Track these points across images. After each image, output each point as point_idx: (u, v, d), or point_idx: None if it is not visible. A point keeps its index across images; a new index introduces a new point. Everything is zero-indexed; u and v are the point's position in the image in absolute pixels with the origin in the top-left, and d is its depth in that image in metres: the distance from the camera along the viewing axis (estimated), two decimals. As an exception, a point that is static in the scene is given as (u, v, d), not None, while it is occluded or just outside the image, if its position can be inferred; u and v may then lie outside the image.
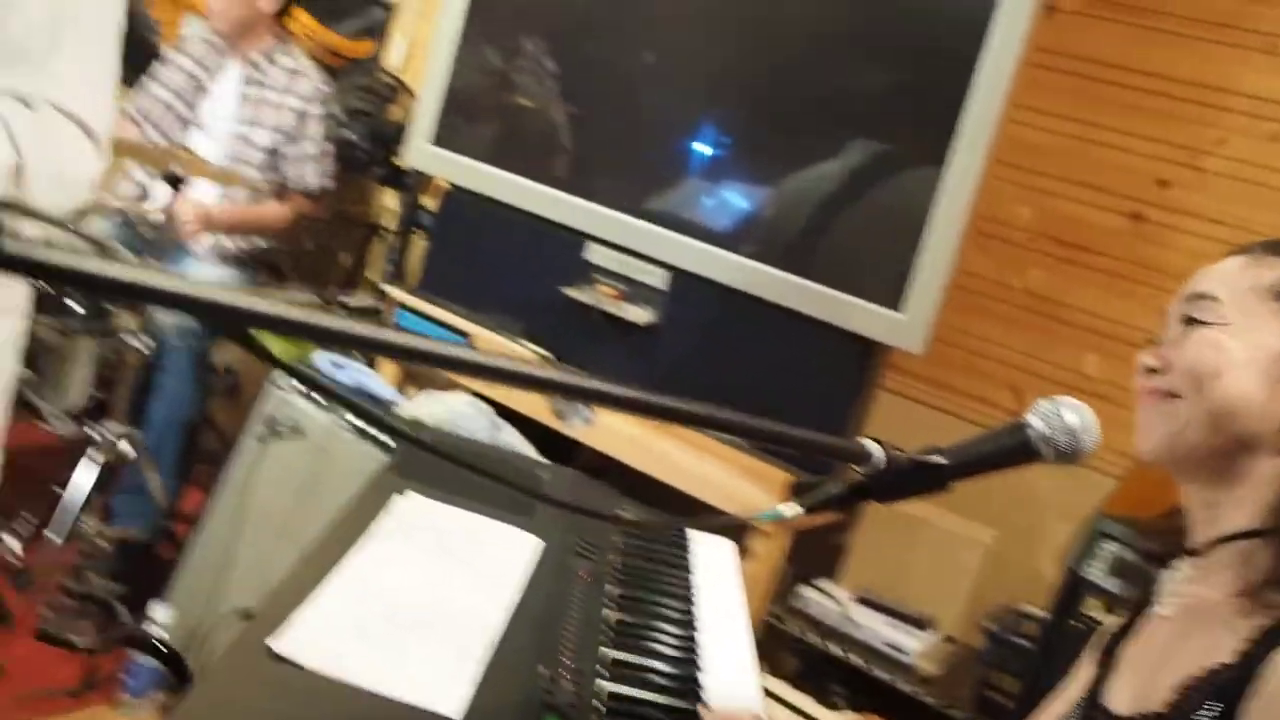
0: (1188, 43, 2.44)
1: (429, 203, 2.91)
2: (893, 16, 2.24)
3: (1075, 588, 1.91)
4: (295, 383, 2.40)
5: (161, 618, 2.35)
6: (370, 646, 0.98)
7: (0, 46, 1.23)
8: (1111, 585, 1.82)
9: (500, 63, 2.61)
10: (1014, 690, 2.32)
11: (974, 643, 2.47)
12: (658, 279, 2.40)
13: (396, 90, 2.94)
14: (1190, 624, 0.96)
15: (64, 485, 2.58)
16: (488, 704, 0.96)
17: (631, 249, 2.41)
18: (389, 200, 3.26)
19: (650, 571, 1.41)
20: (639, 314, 2.39)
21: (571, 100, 2.53)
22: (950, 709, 2.36)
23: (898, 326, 2.15)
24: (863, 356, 2.25)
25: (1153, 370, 1.00)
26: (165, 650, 2.14)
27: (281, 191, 3.19)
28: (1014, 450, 0.92)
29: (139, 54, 4.06)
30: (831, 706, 2.36)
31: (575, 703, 1.00)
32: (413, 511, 1.29)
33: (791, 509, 0.91)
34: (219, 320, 0.48)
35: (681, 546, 1.55)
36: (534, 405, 2.44)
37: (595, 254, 2.47)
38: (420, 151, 2.65)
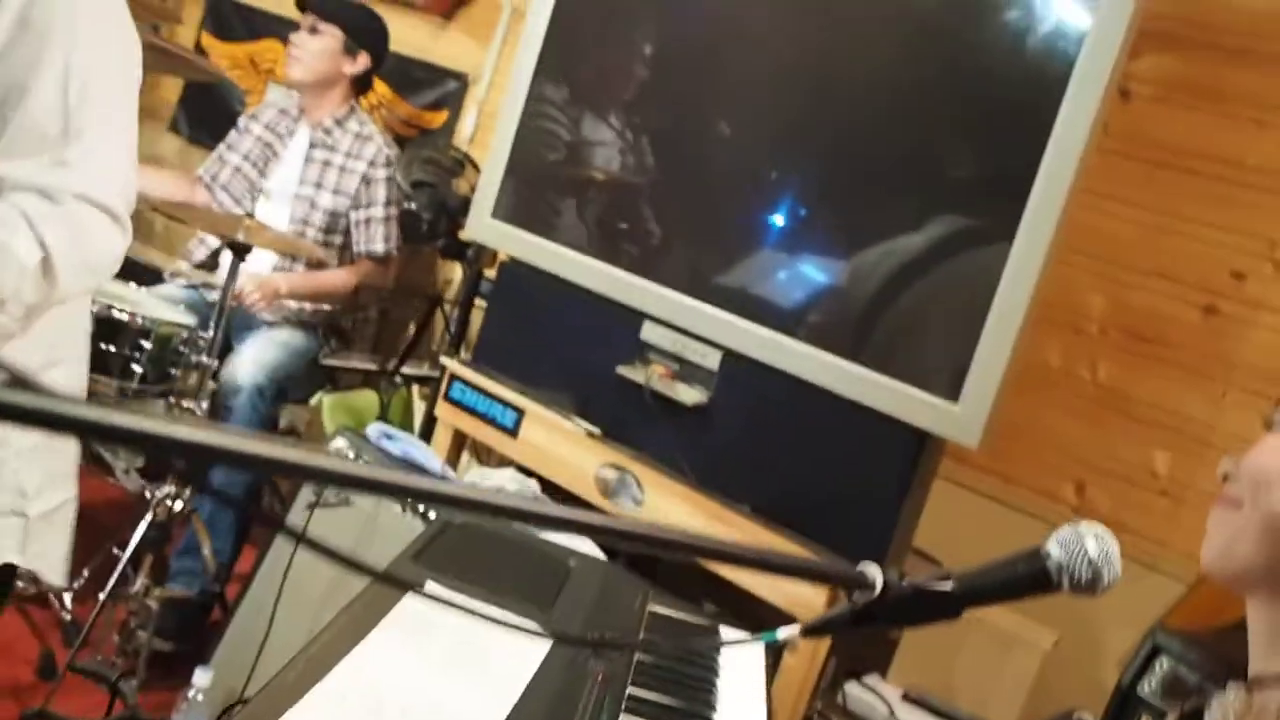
0: (1266, 131, 2.36)
1: (491, 275, 2.93)
2: (962, 98, 2.20)
3: (1126, 706, 1.81)
4: (347, 452, 2.42)
5: (200, 682, 2.36)
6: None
7: (20, 135, 1.28)
8: (1165, 705, 1.72)
9: (564, 138, 2.63)
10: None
11: (1028, 750, 2.37)
12: (710, 359, 2.38)
13: (462, 164, 2.99)
14: None
15: (124, 543, 2.63)
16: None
17: (687, 329, 2.39)
18: (452, 272, 3.30)
19: (672, 671, 1.37)
20: (689, 394, 2.36)
21: (633, 179, 2.54)
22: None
23: (953, 418, 2.09)
24: (916, 446, 2.18)
25: (1226, 476, 0.93)
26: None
27: (346, 257, 3.25)
28: (1029, 579, 0.87)
29: (226, 122, 4.19)
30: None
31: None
32: (424, 606, 1.27)
33: (789, 632, 0.87)
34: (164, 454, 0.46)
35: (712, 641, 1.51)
36: (584, 484, 2.42)
37: (651, 332, 2.45)
38: (481, 224, 2.67)
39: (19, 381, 0.44)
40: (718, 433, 2.37)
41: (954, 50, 2.19)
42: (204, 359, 2.56)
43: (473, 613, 0.70)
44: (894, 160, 2.26)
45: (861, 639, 2.38)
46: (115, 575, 2.54)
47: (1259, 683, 0.90)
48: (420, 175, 2.85)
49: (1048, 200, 2.02)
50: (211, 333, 2.60)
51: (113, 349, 2.56)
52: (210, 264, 3.27)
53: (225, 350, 3.06)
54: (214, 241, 3.25)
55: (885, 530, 2.20)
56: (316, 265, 3.16)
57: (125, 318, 2.58)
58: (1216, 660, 0.95)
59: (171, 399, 2.67)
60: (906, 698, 2.43)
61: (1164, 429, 2.41)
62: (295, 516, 2.41)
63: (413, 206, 2.83)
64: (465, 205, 2.79)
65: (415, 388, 3.16)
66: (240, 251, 2.43)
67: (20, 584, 2.68)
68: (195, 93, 4.28)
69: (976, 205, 2.17)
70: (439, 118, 3.64)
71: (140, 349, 2.60)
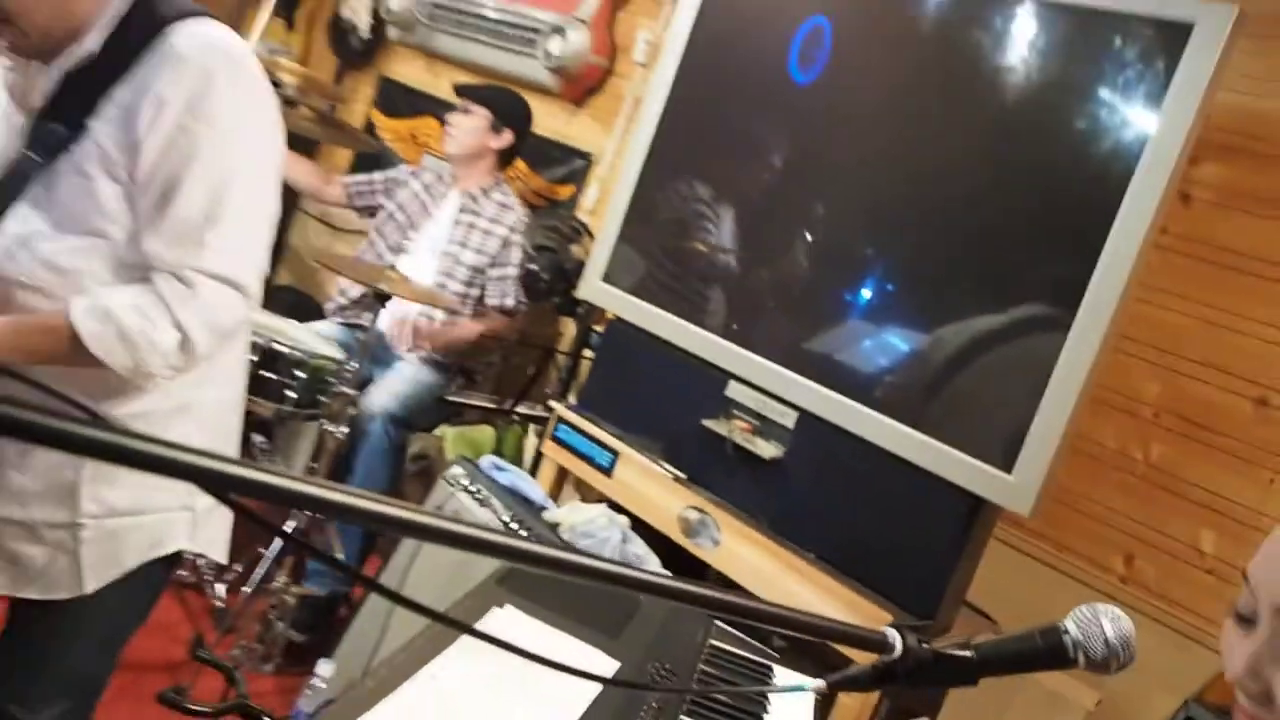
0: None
1: (599, 330, 2.95)
2: (1032, 193, 2.13)
3: (1161, 771, 1.70)
4: (463, 480, 2.44)
5: (324, 672, 2.40)
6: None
7: (171, 220, 1.32)
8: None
9: (669, 213, 2.65)
10: None
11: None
12: (788, 418, 2.34)
13: (580, 232, 3.02)
14: None
15: (268, 543, 2.70)
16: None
17: (768, 390, 2.37)
18: (566, 326, 3.33)
19: (724, 705, 1.33)
20: (767, 448, 2.33)
21: (728, 251, 2.53)
22: None
23: (1007, 488, 2.01)
24: (972, 510, 2.11)
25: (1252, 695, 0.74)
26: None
27: (478, 310, 3.31)
28: (1046, 653, 0.82)
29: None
30: None
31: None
32: (502, 626, 1.26)
33: (815, 684, 0.84)
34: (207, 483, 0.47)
35: (765, 680, 1.47)
36: (668, 523, 2.40)
37: (735, 391, 2.43)
38: (592, 286, 2.70)
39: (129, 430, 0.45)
40: (791, 485, 2.32)
41: (1027, 149, 2.14)
42: (346, 389, 2.62)
43: (528, 655, 0.68)
44: (970, 247, 2.20)
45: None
46: (260, 571, 2.61)
47: None
48: (543, 240, 2.90)
49: (1103, 293, 1.95)
50: (356, 366, 2.67)
51: (272, 376, 2.65)
52: (362, 302, 3.37)
53: (367, 381, 3.14)
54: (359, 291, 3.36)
55: (939, 584, 2.13)
56: (453, 313, 3.23)
57: (285, 350, 2.67)
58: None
59: (321, 422, 2.75)
60: (953, 743, 2.33)
61: (1212, 510, 2.28)
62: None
63: (534, 267, 2.87)
64: (580, 268, 2.81)
65: (529, 426, 3.18)
66: (383, 299, 2.50)
67: (182, 572, 2.78)
68: (363, 160, 4.44)
69: (1040, 292, 2.10)
70: (566, 191, 3.70)
71: (295, 377, 2.69)
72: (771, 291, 2.46)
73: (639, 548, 2.29)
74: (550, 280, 2.83)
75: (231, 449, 1.59)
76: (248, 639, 2.63)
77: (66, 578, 1.39)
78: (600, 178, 3.60)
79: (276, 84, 3.25)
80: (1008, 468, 2.02)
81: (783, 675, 1.55)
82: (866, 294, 2.33)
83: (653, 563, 2.30)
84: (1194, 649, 2.23)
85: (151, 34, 1.34)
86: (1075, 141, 2.06)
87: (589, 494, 2.81)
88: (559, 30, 3.62)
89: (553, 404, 2.67)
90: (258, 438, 3.23)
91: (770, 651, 1.65)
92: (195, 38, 1.34)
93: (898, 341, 2.27)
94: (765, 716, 1.36)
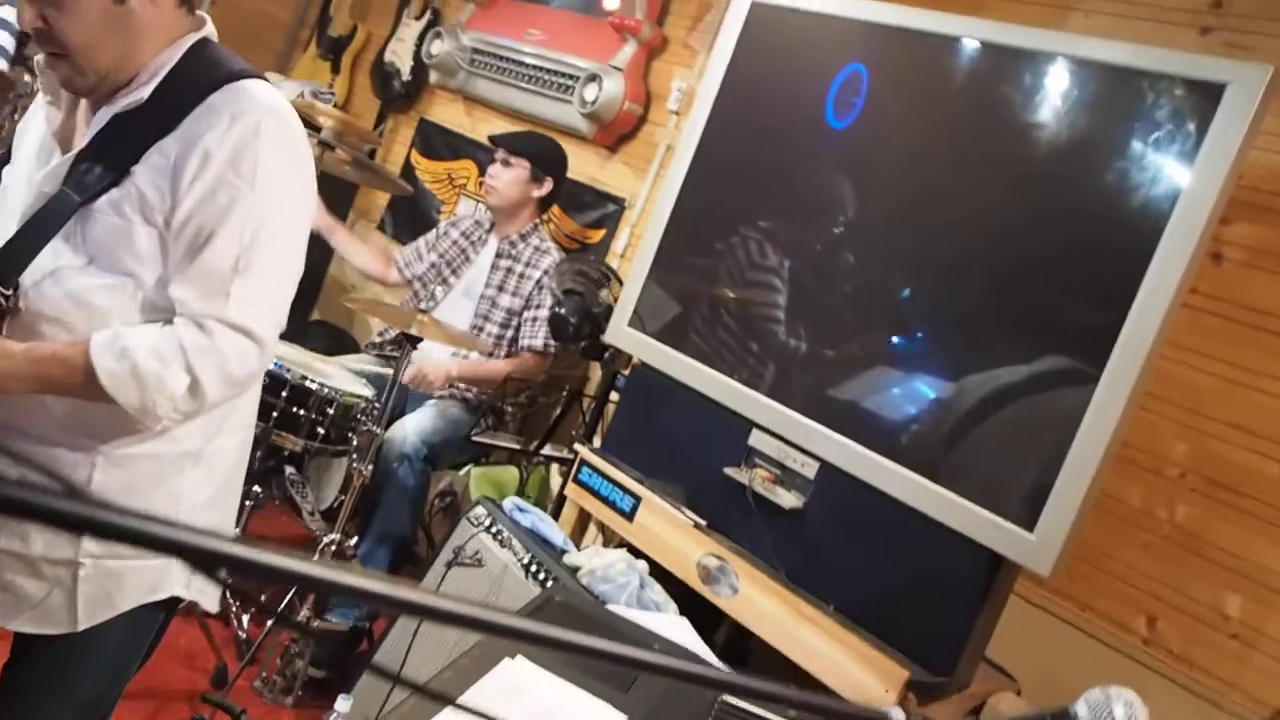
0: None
1: (626, 374, 2.94)
2: (1062, 246, 2.10)
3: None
4: (484, 520, 2.43)
5: (341, 708, 2.39)
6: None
7: (200, 268, 1.34)
8: None
9: (696, 261, 2.64)
10: None
11: None
12: (809, 468, 2.32)
13: (608, 277, 3.03)
14: None
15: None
16: None
17: (790, 439, 2.34)
18: (593, 369, 3.33)
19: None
20: (787, 498, 2.30)
21: (755, 300, 2.52)
22: None
23: (1027, 547, 1.97)
24: (993, 567, 2.07)
25: None
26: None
27: (510, 351, 3.32)
28: (1054, 736, 0.79)
29: (424, 224, 4.38)
30: None
31: None
32: (513, 677, 1.25)
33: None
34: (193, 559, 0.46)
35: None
36: (687, 570, 2.37)
37: (758, 439, 2.41)
38: (619, 331, 2.69)
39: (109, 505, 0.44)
40: (810, 535, 2.29)
41: (1059, 202, 2.12)
42: (374, 428, 2.63)
43: None
44: (999, 298, 2.18)
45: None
46: (282, 605, 2.61)
47: None
48: (571, 285, 2.90)
49: (1131, 349, 1.92)
50: (384, 403, 2.68)
51: (302, 413, 2.66)
52: (398, 340, 3.40)
53: (398, 416, 3.15)
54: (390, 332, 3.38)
55: (958, 640, 2.08)
56: (487, 355, 3.25)
57: (315, 387, 2.68)
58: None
59: (351, 458, 2.75)
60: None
61: (1238, 574, 2.22)
62: (434, 572, 2.43)
63: (562, 311, 2.88)
64: (608, 313, 2.82)
65: (554, 467, 3.17)
66: (413, 341, 2.51)
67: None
68: (400, 201, 4.49)
69: (1068, 348, 2.06)
70: (598, 235, 3.72)
71: (325, 414, 2.70)
72: (795, 339, 2.44)
73: (657, 594, 2.27)
74: (577, 324, 2.83)
75: (235, 500, 1.59)
76: (269, 671, 2.63)
77: (61, 613, 1.40)
78: (632, 223, 3.62)
79: (316, 128, 3.30)
80: (1029, 526, 1.98)
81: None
82: (892, 343, 2.30)
83: (670, 609, 2.27)
84: (1217, 715, 2.16)
85: (205, 90, 1.37)
86: (1107, 197, 2.04)
87: (612, 536, 2.79)
88: (594, 78, 3.66)
89: (577, 446, 2.66)
90: (289, 469, 3.25)
91: (783, 707, 1.61)
92: (245, 97, 1.38)
93: (922, 392, 2.25)
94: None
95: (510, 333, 3.35)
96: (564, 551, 2.36)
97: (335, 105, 4.91)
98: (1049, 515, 1.96)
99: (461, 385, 3.26)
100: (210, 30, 1.48)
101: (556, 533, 2.43)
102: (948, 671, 2.07)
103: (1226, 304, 2.36)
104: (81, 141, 1.41)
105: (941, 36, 2.31)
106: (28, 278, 1.34)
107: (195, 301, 1.33)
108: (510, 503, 2.45)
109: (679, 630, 2.20)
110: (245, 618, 2.76)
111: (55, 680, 1.44)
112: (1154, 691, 2.26)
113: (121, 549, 1.42)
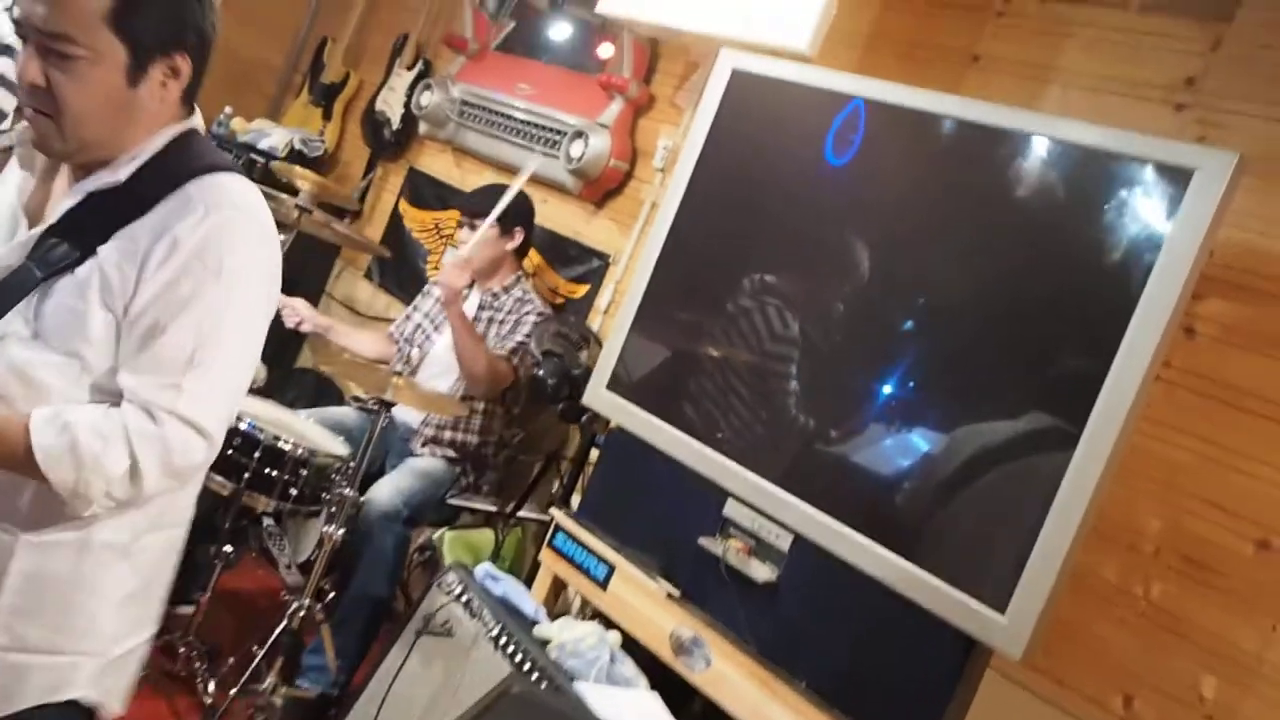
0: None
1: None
2: (1037, 315, 2.10)
3: None
4: (455, 588, 2.41)
5: (306, 780, 2.35)
6: None
7: (152, 357, 1.32)
8: None
9: (676, 326, 2.64)
10: None
11: None
12: (783, 540, 2.30)
13: (588, 339, 3.02)
14: None
15: (264, 641, 2.66)
16: None
17: (764, 510, 2.33)
18: (572, 433, 3.31)
19: None
20: (761, 570, 2.28)
21: (732, 368, 2.51)
22: None
23: (999, 629, 1.95)
24: (967, 646, 2.04)
25: None
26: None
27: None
28: None
29: (408, 273, 4.38)
30: None
31: None
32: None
33: None
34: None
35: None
36: (660, 642, 2.34)
37: (733, 509, 2.39)
38: (597, 394, 2.68)
39: None
40: (783, 609, 2.27)
41: (1033, 273, 2.13)
42: (347, 491, 2.61)
43: None
44: (973, 371, 2.17)
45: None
46: (248, 673, 2.56)
47: None
48: (550, 346, 2.90)
49: (1105, 424, 1.91)
50: (359, 463, 2.66)
51: (275, 473, 2.64)
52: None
53: (378, 474, 3.12)
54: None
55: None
56: (464, 415, 3.21)
57: (288, 448, 2.66)
58: None
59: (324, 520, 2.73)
60: None
61: (1213, 654, 2.19)
62: (403, 640, 2.40)
63: (540, 373, 2.87)
64: (587, 375, 2.80)
65: (529, 529, 3.15)
66: (387, 405, 2.49)
67: (175, 665, 2.74)
68: (389, 242, 4.50)
69: (1044, 419, 2.05)
70: (582, 290, 3.71)
71: (299, 475, 2.68)
72: (775, 412, 2.43)
73: (628, 669, 2.24)
74: (555, 385, 2.82)
75: (161, 594, 1.53)
76: (235, 738, 2.58)
77: None
78: (616, 279, 3.61)
79: (295, 191, 3.30)
80: (1001, 607, 1.96)
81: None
82: (868, 414, 2.29)
83: (641, 684, 2.24)
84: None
85: (182, 178, 1.37)
86: (1080, 267, 2.05)
87: (588, 602, 2.76)
88: (581, 134, 3.67)
89: (553, 511, 2.64)
90: (267, 521, 3.22)
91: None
92: (220, 190, 1.38)
93: (896, 463, 2.23)
94: None
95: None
96: (535, 623, 2.33)
97: (324, 153, 4.93)
98: (1021, 595, 1.94)
99: (449, 436, 3.24)
100: (198, 122, 1.47)
101: (529, 601, 2.40)
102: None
103: (1200, 379, 2.36)
104: (52, 216, 1.39)
105: (918, 113, 2.32)
106: None
107: (145, 390, 1.31)
108: (483, 569, 2.43)
109: (650, 706, 2.17)
110: (211, 684, 2.71)
111: None
112: (1129, 773, 2.23)
113: (32, 642, 1.36)
